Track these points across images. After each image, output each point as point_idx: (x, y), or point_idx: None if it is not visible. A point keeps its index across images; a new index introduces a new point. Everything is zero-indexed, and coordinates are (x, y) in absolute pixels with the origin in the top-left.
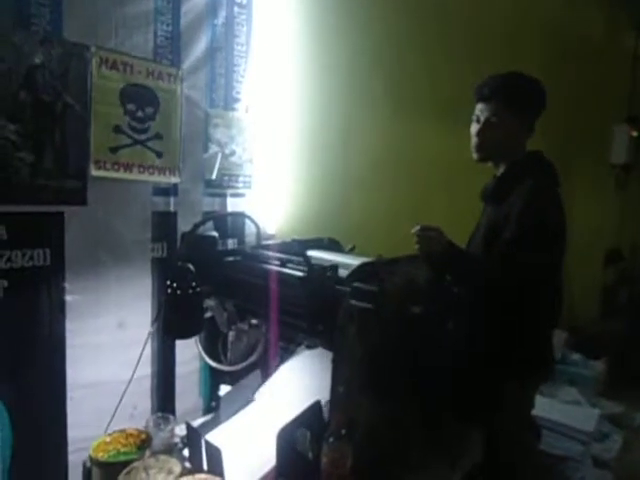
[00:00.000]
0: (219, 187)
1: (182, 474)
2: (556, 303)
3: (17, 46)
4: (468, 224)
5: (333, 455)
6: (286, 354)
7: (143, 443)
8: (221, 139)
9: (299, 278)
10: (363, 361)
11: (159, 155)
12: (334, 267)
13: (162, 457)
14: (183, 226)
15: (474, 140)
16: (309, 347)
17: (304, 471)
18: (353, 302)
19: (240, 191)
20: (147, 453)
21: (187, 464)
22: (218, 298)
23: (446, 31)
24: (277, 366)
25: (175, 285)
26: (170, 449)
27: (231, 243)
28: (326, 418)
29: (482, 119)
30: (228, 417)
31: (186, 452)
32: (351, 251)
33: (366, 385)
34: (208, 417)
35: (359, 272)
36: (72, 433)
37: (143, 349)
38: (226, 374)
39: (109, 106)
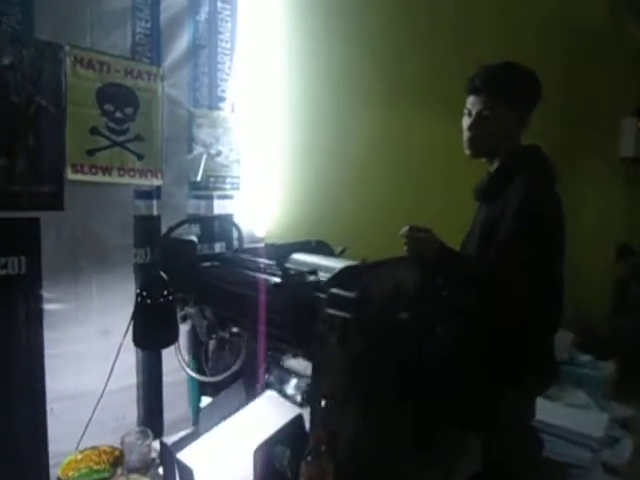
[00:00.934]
0: (205, 189)
1: None
2: (556, 305)
3: None
4: (467, 224)
5: (311, 473)
6: (272, 363)
7: (117, 460)
8: (206, 139)
9: (274, 285)
10: (345, 372)
11: (140, 157)
12: (313, 272)
13: (133, 477)
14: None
15: (466, 135)
16: (294, 357)
17: None
18: (330, 311)
19: (228, 193)
20: (118, 472)
21: None
22: (197, 306)
23: (443, 20)
24: (261, 376)
25: (145, 294)
26: (147, 466)
27: (218, 247)
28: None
29: (474, 112)
30: (207, 431)
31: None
32: (341, 254)
33: (349, 398)
34: (187, 431)
35: (340, 277)
36: (53, 446)
37: (115, 360)
38: (209, 385)
39: (85, 107)
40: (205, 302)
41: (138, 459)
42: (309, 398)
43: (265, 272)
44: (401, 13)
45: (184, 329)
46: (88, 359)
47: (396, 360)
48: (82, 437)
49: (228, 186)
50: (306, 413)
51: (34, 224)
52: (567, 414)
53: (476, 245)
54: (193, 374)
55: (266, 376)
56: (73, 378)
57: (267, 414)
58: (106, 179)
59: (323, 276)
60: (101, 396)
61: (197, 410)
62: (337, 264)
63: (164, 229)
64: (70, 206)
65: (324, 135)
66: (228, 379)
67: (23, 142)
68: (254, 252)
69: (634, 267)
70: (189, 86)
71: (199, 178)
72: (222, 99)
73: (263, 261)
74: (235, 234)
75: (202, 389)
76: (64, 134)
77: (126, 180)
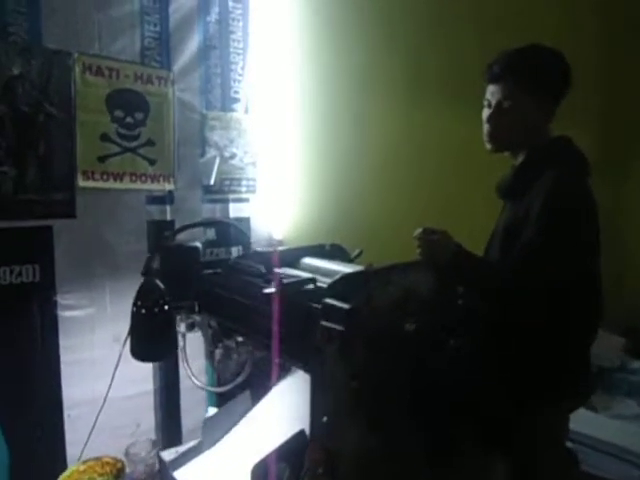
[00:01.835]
0: (219, 192)
1: None
2: (591, 314)
3: None
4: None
5: None
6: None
7: (119, 472)
8: (219, 142)
9: (266, 294)
10: (345, 387)
11: (152, 162)
12: (311, 280)
13: None
14: (181, 235)
15: (485, 127)
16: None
17: None
18: (324, 323)
19: (243, 196)
20: None
21: None
22: (202, 314)
23: (469, 8)
24: (268, 387)
25: (139, 303)
26: (152, 477)
27: (235, 251)
28: None
29: (493, 103)
30: (210, 445)
31: None
32: (357, 257)
33: (352, 415)
34: (191, 444)
35: (338, 285)
36: (72, 451)
37: (115, 370)
38: (218, 395)
39: (95, 114)
40: (207, 310)
41: (143, 470)
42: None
43: (264, 279)
44: (425, 3)
45: (197, 335)
46: (103, 366)
47: (404, 374)
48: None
49: (244, 189)
50: None
51: (47, 232)
52: (615, 426)
53: (499, 247)
54: (199, 384)
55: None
56: (89, 385)
57: (272, 425)
58: (118, 185)
59: (326, 283)
60: (103, 404)
61: None
62: (345, 269)
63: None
64: (82, 213)
65: (342, 135)
66: (237, 389)
67: (33, 151)
68: (262, 257)
69: None
70: (201, 88)
71: (212, 181)
72: (235, 100)
73: (262, 268)
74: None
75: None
76: (74, 141)
77: (138, 186)
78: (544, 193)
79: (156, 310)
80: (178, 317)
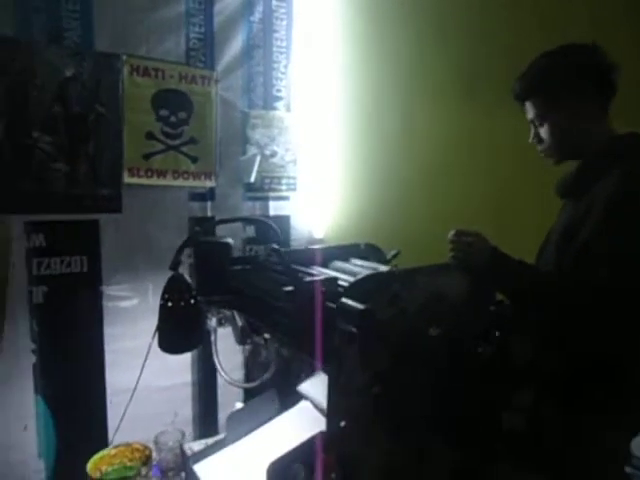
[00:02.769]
0: (260, 190)
1: None
2: None
3: (50, 61)
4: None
5: None
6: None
7: (147, 459)
8: (260, 140)
9: (287, 292)
10: (364, 392)
11: (194, 160)
12: (331, 280)
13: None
14: (220, 231)
15: (538, 149)
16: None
17: None
18: (339, 323)
19: (284, 194)
20: (142, 472)
21: None
22: (230, 310)
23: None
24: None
25: (167, 296)
26: (179, 467)
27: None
28: None
29: (530, 123)
30: (232, 441)
31: None
32: (394, 258)
33: (369, 421)
34: (217, 437)
35: (358, 286)
36: (113, 437)
37: (145, 360)
38: (247, 391)
39: (141, 113)
40: (235, 306)
41: (172, 459)
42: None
43: (288, 277)
44: None
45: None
46: (144, 355)
47: (427, 380)
48: (116, 432)
49: (284, 187)
50: None
51: (94, 226)
52: None
53: (554, 248)
54: (227, 379)
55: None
56: (130, 373)
57: (297, 427)
58: (161, 182)
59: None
60: (132, 393)
61: None
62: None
63: (219, 231)
64: (127, 208)
65: (387, 134)
66: (264, 386)
67: (84, 149)
68: (294, 255)
69: None
70: (243, 87)
71: (252, 179)
72: (278, 99)
73: (294, 266)
74: (295, 235)
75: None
76: (122, 140)
77: (180, 182)
78: (608, 191)
79: (182, 304)
80: (209, 312)
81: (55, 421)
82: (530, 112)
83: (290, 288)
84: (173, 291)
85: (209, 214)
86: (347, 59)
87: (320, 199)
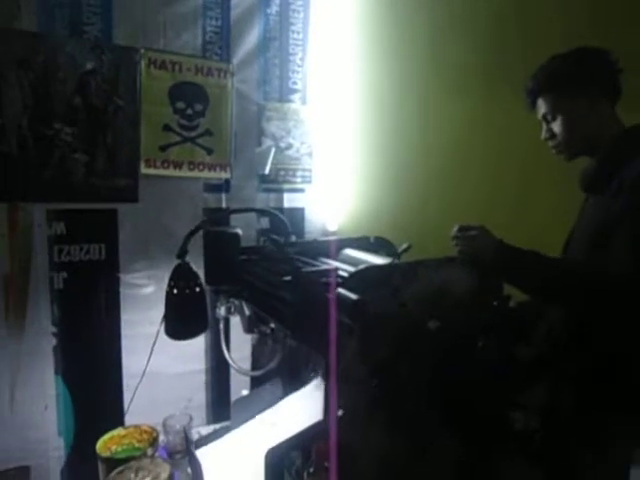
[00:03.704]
0: (274, 182)
1: None
2: None
3: (71, 54)
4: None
5: None
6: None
7: (154, 440)
8: (276, 132)
9: (285, 282)
10: (361, 383)
11: (209, 152)
12: (331, 270)
13: (158, 461)
14: (236, 222)
15: (550, 145)
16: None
17: None
18: (335, 313)
19: (298, 186)
20: (148, 452)
21: (189, 470)
22: (238, 299)
23: None
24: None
25: (172, 284)
26: (182, 450)
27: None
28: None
29: (542, 121)
30: (237, 426)
31: None
32: (405, 252)
33: (366, 412)
34: (225, 423)
35: (357, 277)
36: (129, 419)
37: (153, 344)
38: (253, 380)
39: (158, 105)
40: (242, 296)
41: (179, 442)
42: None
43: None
44: None
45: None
46: (158, 342)
47: (425, 374)
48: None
49: (299, 179)
50: None
51: (112, 215)
52: None
53: (589, 244)
54: (235, 366)
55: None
56: (146, 358)
57: (301, 413)
58: (177, 173)
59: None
60: (141, 379)
61: None
62: (375, 262)
63: (233, 222)
64: (144, 199)
65: (405, 128)
66: (270, 374)
67: (103, 140)
68: (302, 247)
69: None
70: (259, 80)
71: (267, 171)
72: (293, 91)
73: (300, 257)
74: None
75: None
76: (139, 131)
77: (196, 174)
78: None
79: (187, 292)
80: (217, 301)
81: (74, 401)
82: (542, 108)
83: (288, 278)
84: (179, 279)
85: (224, 205)
86: (363, 52)
87: (335, 192)
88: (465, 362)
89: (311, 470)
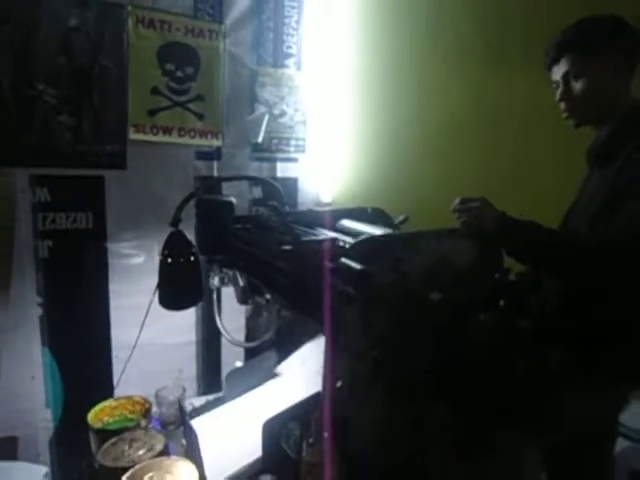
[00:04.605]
0: (267, 151)
1: (162, 453)
2: None
3: (54, 10)
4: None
5: (310, 459)
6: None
7: (146, 411)
8: (269, 99)
9: (283, 251)
10: (361, 354)
11: (200, 117)
12: (331, 240)
13: (152, 432)
14: (227, 191)
15: (562, 106)
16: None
17: (288, 470)
18: (336, 283)
19: (292, 155)
20: (142, 424)
21: (183, 441)
22: (231, 269)
23: None
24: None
25: (166, 252)
26: (179, 421)
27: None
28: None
29: (560, 81)
30: (230, 398)
31: None
32: (402, 224)
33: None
34: (217, 395)
35: (359, 247)
36: (118, 391)
37: (146, 316)
38: (248, 351)
39: (147, 67)
40: (236, 266)
41: (173, 414)
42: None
43: (288, 237)
44: None
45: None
46: (150, 313)
47: (426, 346)
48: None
49: (292, 148)
50: None
51: (99, 182)
52: None
53: (593, 216)
54: (229, 337)
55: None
56: (136, 329)
57: (296, 386)
58: (167, 139)
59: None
60: (132, 351)
61: None
62: (375, 231)
63: (225, 191)
64: (132, 165)
65: (401, 97)
66: (264, 346)
67: (88, 102)
68: (298, 216)
69: None
70: (252, 43)
71: (260, 139)
72: (288, 56)
73: (296, 226)
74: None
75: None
76: (127, 94)
77: (186, 140)
78: None
79: (182, 261)
80: (211, 271)
81: (62, 372)
82: (566, 66)
83: (288, 247)
84: (173, 248)
85: (215, 174)
86: (361, 21)
87: (329, 162)
88: (466, 334)
89: (310, 441)
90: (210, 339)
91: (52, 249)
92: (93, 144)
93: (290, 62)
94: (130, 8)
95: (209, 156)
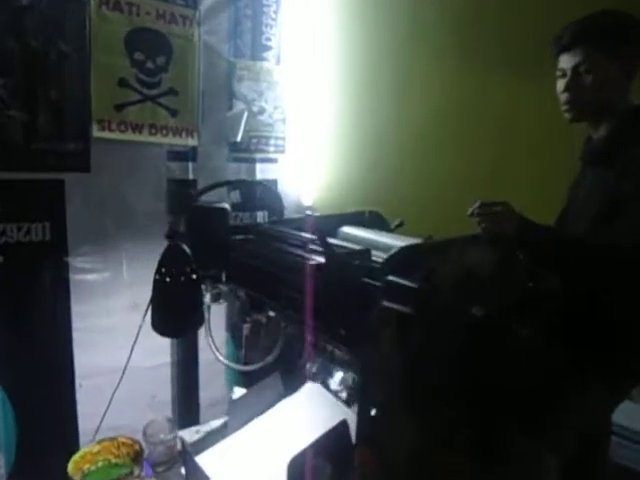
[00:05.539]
0: (246, 151)
1: None
2: None
3: None
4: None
5: None
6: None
7: (137, 455)
8: (248, 94)
9: (316, 266)
10: (402, 377)
11: (173, 113)
12: (364, 252)
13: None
14: (205, 197)
15: (563, 97)
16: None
17: None
18: (386, 304)
19: (271, 156)
20: (135, 472)
21: None
22: (228, 284)
23: None
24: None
25: (164, 270)
26: (172, 459)
27: (260, 216)
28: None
29: (569, 70)
30: (235, 429)
31: None
32: (398, 228)
33: (408, 409)
34: (213, 424)
35: (397, 259)
36: (84, 424)
37: (135, 341)
38: (243, 375)
39: (113, 55)
40: (236, 281)
41: (164, 452)
42: (358, 408)
43: (306, 249)
44: None
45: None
46: (118, 334)
47: (470, 366)
48: (102, 419)
49: (272, 148)
50: (352, 413)
51: (58, 186)
52: None
53: (594, 217)
54: (226, 362)
55: (307, 366)
56: (103, 354)
57: (307, 411)
58: (136, 137)
59: (377, 256)
60: (121, 378)
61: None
62: (395, 241)
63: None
64: (97, 167)
65: (382, 94)
66: (265, 368)
67: (44, 94)
68: (295, 223)
69: None
70: (229, 32)
71: (239, 138)
72: (267, 48)
73: (304, 235)
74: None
75: (237, 375)
76: (89, 86)
77: (158, 139)
78: None
79: (182, 279)
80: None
81: (15, 411)
82: (577, 58)
83: (319, 261)
84: (171, 264)
85: (190, 176)
86: (340, 16)
87: (310, 163)
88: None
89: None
90: (187, 361)
91: (2, 266)
92: (50, 143)
93: (269, 55)
94: None
95: (183, 156)
